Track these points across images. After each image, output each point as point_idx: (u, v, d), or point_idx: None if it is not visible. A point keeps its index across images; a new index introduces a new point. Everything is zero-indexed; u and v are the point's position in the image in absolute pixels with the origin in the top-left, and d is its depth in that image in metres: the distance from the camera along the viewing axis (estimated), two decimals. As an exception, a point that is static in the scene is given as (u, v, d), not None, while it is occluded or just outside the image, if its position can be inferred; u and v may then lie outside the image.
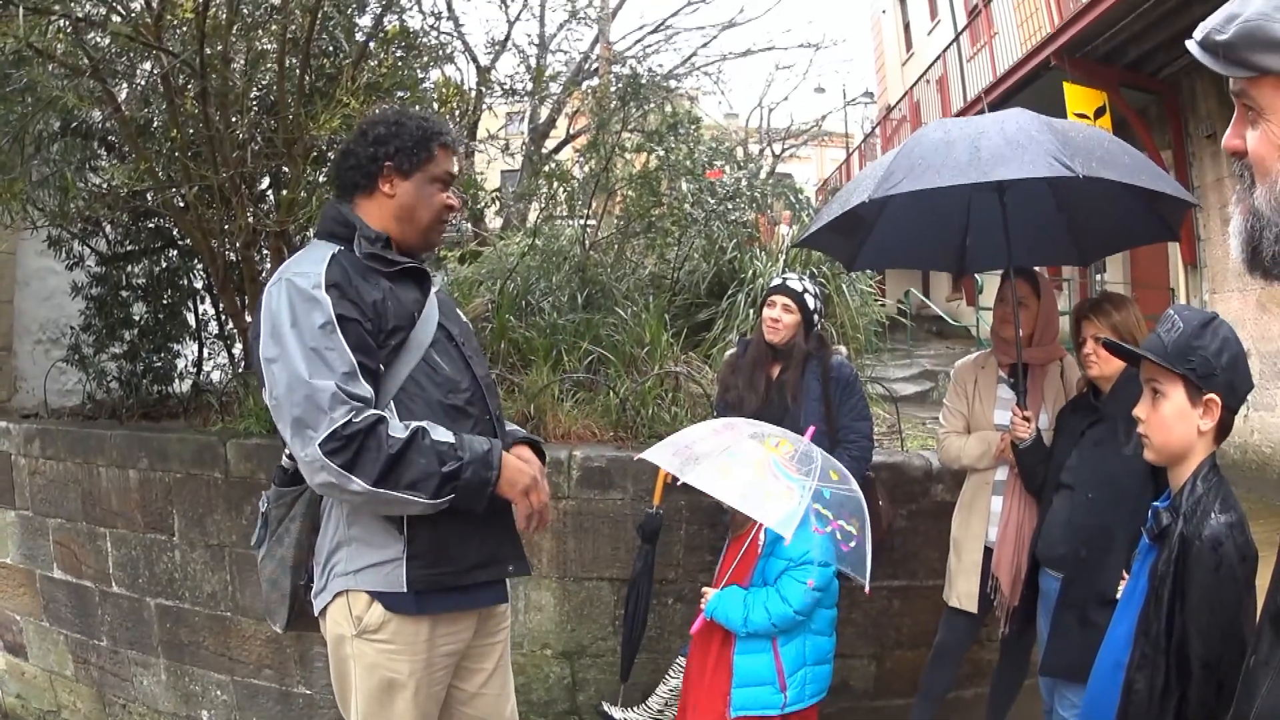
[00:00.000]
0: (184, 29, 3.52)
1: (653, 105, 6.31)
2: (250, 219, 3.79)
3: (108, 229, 5.03)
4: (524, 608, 3.75)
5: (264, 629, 3.86)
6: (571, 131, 8.41)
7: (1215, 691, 1.56)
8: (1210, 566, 1.62)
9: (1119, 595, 2.15)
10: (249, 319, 4.22)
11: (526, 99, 6.88)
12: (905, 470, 3.82)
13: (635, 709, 3.55)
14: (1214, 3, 1.04)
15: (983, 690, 3.55)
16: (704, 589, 2.96)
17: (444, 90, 4.43)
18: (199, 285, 5.23)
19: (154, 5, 3.36)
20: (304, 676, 3.87)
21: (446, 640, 1.99)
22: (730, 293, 5.88)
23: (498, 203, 6.62)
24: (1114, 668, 1.83)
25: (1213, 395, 1.74)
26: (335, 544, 1.95)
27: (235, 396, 4.54)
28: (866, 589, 2.64)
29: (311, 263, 1.89)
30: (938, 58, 15.01)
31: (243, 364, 4.94)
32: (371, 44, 3.99)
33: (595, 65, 8.70)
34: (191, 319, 5.29)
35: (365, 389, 1.80)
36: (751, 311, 5.39)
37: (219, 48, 3.49)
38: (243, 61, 3.84)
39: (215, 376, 5.27)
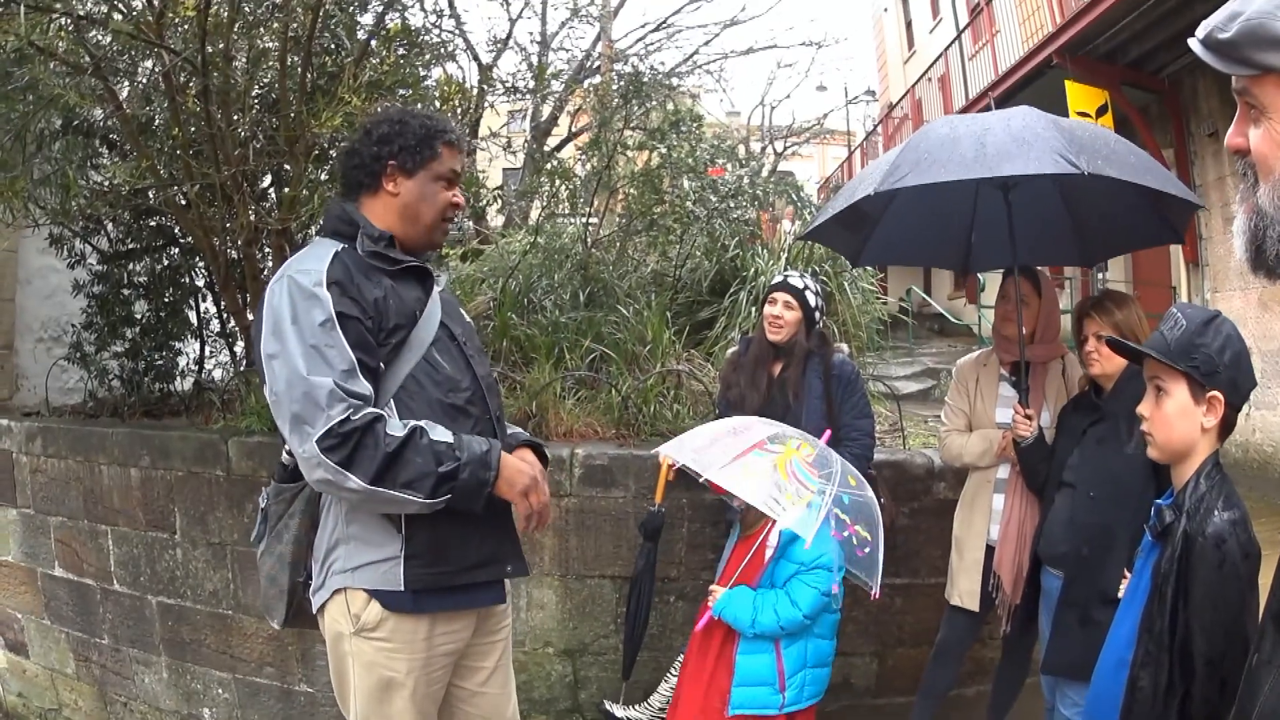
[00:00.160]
0: (185, 27, 3.51)
1: (655, 103, 6.31)
2: (252, 217, 3.79)
3: (109, 227, 5.03)
4: (526, 605, 3.75)
5: (265, 627, 3.86)
6: (573, 129, 8.40)
7: (1219, 689, 1.56)
8: (1214, 564, 1.62)
9: (1121, 594, 2.15)
10: (251, 317, 4.22)
11: (528, 97, 6.86)
12: (907, 468, 3.82)
13: (637, 707, 3.56)
14: (1215, 1, 1.04)
15: (984, 688, 3.55)
16: (712, 587, 2.96)
17: (446, 88, 4.42)
18: (201, 283, 5.23)
19: (155, 3, 3.35)
20: (305, 675, 3.87)
21: (445, 640, 1.99)
22: (732, 291, 5.88)
23: (499, 201, 6.62)
24: (1117, 666, 1.83)
25: (1216, 392, 1.74)
26: (334, 542, 1.95)
27: (237, 394, 4.54)
28: (874, 595, 2.64)
29: (314, 260, 1.89)
30: (939, 56, 15.02)
31: (244, 362, 4.94)
32: (373, 42, 3.99)
33: (597, 63, 8.69)
34: (193, 317, 5.29)
35: (364, 387, 1.80)
36: (753, 309, 5.39)
37: (220, 45, 3.49)
38: (244, 59, 3.83)
39: (217, 374, 5.28)
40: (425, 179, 2.03)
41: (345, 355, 1.79)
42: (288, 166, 4.05)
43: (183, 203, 4.06)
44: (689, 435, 2.91)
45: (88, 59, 3.42)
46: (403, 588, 1.89)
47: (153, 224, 4.99)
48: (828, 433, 2.99)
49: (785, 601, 2.73)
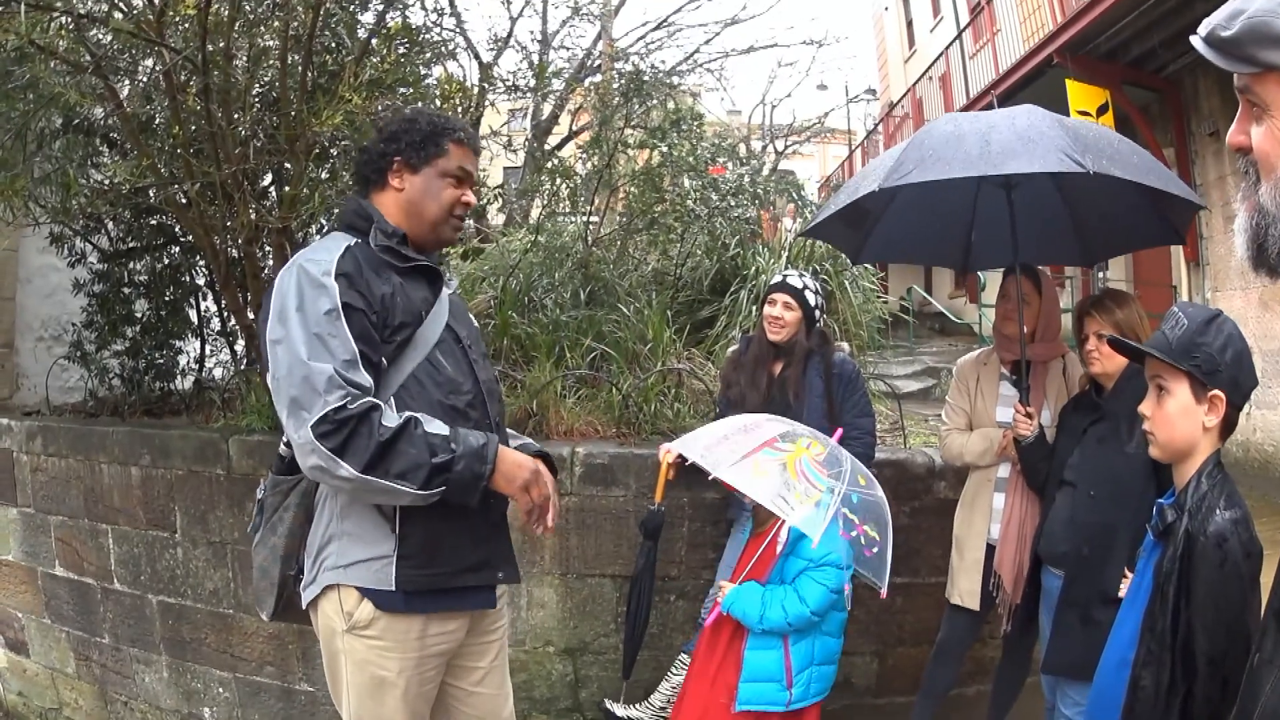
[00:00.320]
0: (186, 25, 3.51)
1: (655, 102, 6.32)
2: (252, 215, 3.79)
3: (110, 226, 5.03)
4: (526, 604, 3.75)
5: (266, 626, 3.87)
6: (574, 128, 8.42)
7: (1220, 688, 1.56)
8: (1215, 563, 1.62)
9: (1122, 593, 2.15)
10: (251, 316, 4.22)
11: (529, 95, 6.88)
12: (908, 467, 3.82)
13: (638, 706, 3.55)
14: (1216, 0, 1.04)
15: (985, 688, 3.55)
16: (721, 583, 2.97)
17: (447, 86, 4.42)
18: (201, 282, 5.22)
19: (156, 1, 3.35)
20: (306, 673, 3.87)
21: (438, 640, 1.99)
22: (733, 289, 5.89)
23: (500, 199, 6.62)
24: (1119, 665, 1.83)
25: (1217, 392, 1.74)
26: (327, 537, 1.95)
27: (237, 393, 4.54)
28: (882, 593, 2.65)
29: (325, 251, 1.91)
30: (940, 55, 15.01)
31: (245, 361, 4.94)
32: (374, 40, 3.98)
33: (598, 62, 8.70)
34: (194, 316, 5.29)
35: (365, 378, 1.80)
36: (754, 308, 5.39)
37: (221, 44, 3.48)
38: (245, 58, 3.83)
39: (217, 373, 5.27)
40: (431, 175, 2.04)
41: (348, 345, 1.79)
42: (288, 165, 4.04)
43: (183, 201, 4.06)
44: (700, 431, 2.92)
45: (88, 57, 3.41)
46: (394, 588, 1.89)
47: (153, 222, 4.99)
48: (839, 431, 2.99)
49: (794, 598, 2.74)
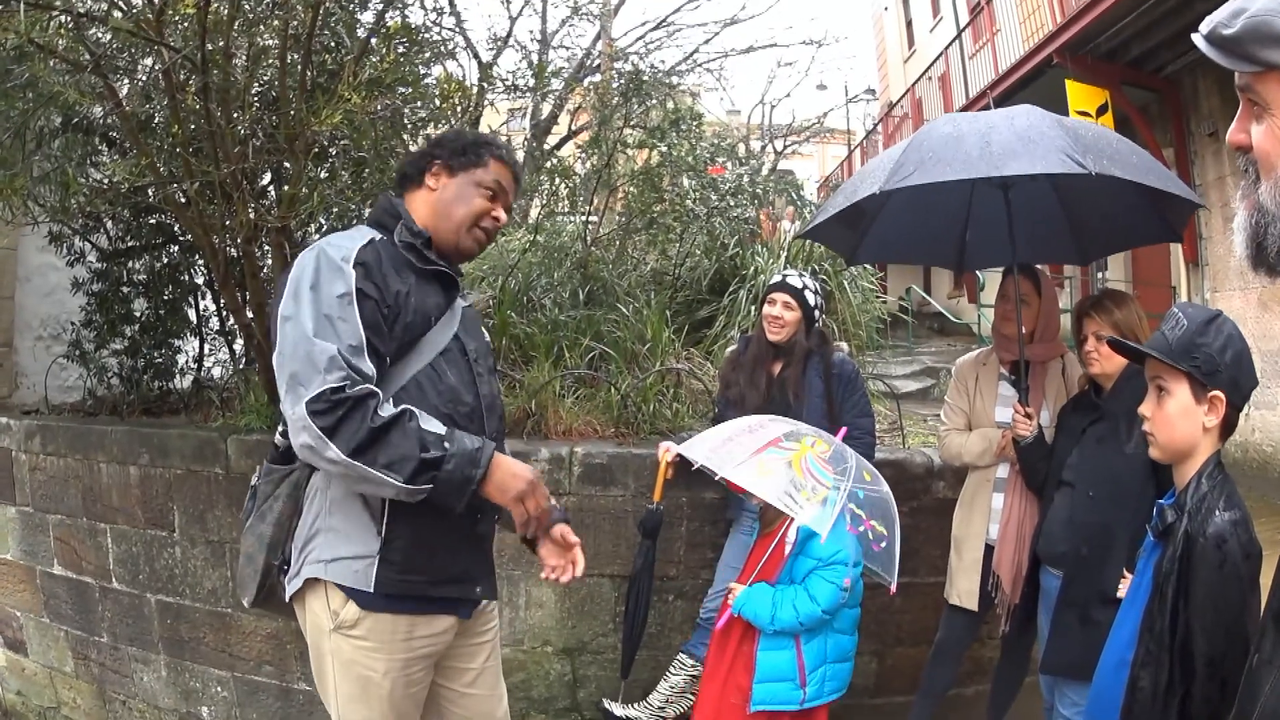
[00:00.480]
0: (185, 24, 3.50)
1: (655, 101, 6.31)
2: (251, 215, 3.78)
3: (109, 225, 5.02)
4: (524, 604, 3.75)
5: (264, 625, 3.87)
6: (573, 128, 8.41)
7: (1219, 689, 1.56)
8: (1214, 564, 1.62)
9: (1121, 594, 2.15)
10: (250, 315, 4.21)
11: (528, 95, 6.86)
12: (907, 467, 3.82)
13: (636, 706, 3.55)
14: (1216, 0, 1.04)
15: (983, 688, 3.55)
16: (731, 584, 2.97)
17: (446, 86, 4.41)
18: (200, 281, 5.22)
19: (155, 0, 3.35)
20: (304, 673, 3.86)
21: (424, 642, 1.98)
22: (732, 289, 5.89)
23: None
24: (1118, 665, 1.83)
25: (1217, 392, 1.74)
26: (314, 531, 1.94)
27: (236, 392, 4.54)
28: (892, 588, 2.66)
29: (349, 239, 1.93)
30: (940, 55, 15.02)
31: (244, 360, 4.94)
32: (373, 40, 3.97)
33: (597, 61, 8.69)
34: (193, 315, 5.28)
35: (368, 365, 1.79)
36: (753, 308, 5.39)
37: (220, 43, 3.48)
38: (244, 57, 3.82)
39: (216, 372, 5.27)
40: (466, 181, 2.06)
41: (356, 331, 1.79)
42: (287, 164, 4.04)
43: (182, 200, 4.05)
44: (704, 435, 2.93)
45: (87, 56, 3.41)
46: (372, 589, 1.89)
47: (152, 222, 4.98)
48: (843, 430, 3.00)
49: (804, 597, 2.74)
